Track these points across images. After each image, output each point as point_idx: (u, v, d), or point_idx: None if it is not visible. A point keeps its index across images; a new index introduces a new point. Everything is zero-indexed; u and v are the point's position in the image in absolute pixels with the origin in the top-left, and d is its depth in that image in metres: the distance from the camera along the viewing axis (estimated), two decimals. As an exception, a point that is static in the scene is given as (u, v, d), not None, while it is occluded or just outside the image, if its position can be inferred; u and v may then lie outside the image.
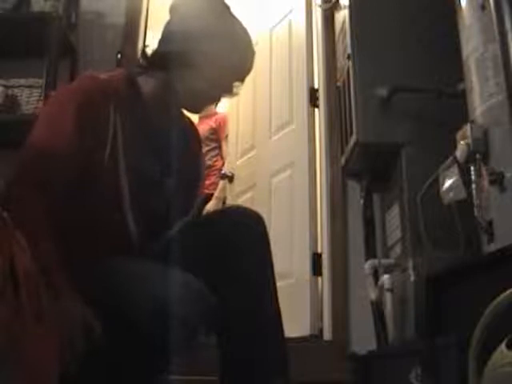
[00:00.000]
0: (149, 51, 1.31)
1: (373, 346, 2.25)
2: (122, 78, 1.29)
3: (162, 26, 1.33)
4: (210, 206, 3.36)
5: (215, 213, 1.48)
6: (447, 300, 1.57)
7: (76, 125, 1.15)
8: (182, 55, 1.25)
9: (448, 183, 1.71)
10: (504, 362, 1.00)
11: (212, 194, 3.45)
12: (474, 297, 1.42)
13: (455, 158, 1.65)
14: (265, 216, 1.27)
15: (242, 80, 1.33)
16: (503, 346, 1.03)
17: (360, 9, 2.36)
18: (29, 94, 2.47)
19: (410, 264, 2.02)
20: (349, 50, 2.34)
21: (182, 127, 1.39)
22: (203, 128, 3.49)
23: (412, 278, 1.99)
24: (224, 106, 3.62)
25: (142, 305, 1.03)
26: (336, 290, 2.54)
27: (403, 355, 1.75)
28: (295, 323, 2.44)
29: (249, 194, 3.25)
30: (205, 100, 1.33)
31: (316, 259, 2.65)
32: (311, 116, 2.89)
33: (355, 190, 2.63)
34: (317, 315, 2.59)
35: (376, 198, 2.53)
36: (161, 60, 1.28)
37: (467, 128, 1.59)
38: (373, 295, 2.23)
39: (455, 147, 1.64)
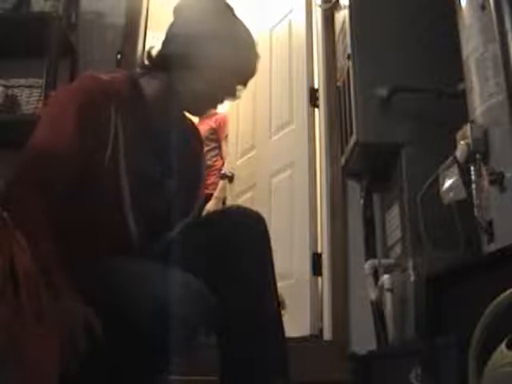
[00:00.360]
0: (153, 52, 1.31)
1: (373, 346, 2.25)
2: (123, 79, 1.29)
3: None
4: (210, 206, 3.36)
5: (215, 213, 1.48)
6: (447, 300, 1.57)
7: (77, 125, 1.15)
8: (186, 57, 1.25)
9: (448, 183, 1.71)
10: (504, 361, 1.00)
11: (212, 194, 3.46)
12: (473, 297, 1.42)
13: (455, 158, 1.65)
14: (265, 216, 1.27)
15: (245, 83, 1.33)
16: (503, 346, 1.03)
17: (360, 9, 2.36)
18: (29, 94, 2.47)
19: (410, 264, 2.02)
20: (349, 50, 2.34)
21: (183, 128, 1.39)
22: (203, 128, 3.49)
23: (412, 278, 1.99)
24: (224, 106, 3.61)
25: (142, 305, 1.03)
26: (336, 290, 2.54)
27: (403, 355, 1.75)
28: (295, 323, 2.44)
29: (249, 194, 3.25)
30: (207, 102, 1.33)
31: (316, 259, 2.65)
32: (311, 116, 2.89)
33: (355, 190, 2.63)
34: (317, 315, 2.59)
35: (376, 197, 2.53)
36: (164, 61, 1.28)
37: (467, 128, 1.59)
38: (373, 295, 2.23)
39: (455, 147, 1.64)
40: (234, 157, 3.46)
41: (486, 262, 1.47)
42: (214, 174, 3.54)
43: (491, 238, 1.50)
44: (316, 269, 2.64)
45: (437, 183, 1.80)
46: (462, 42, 1.75)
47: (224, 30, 1.28)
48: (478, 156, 1.56)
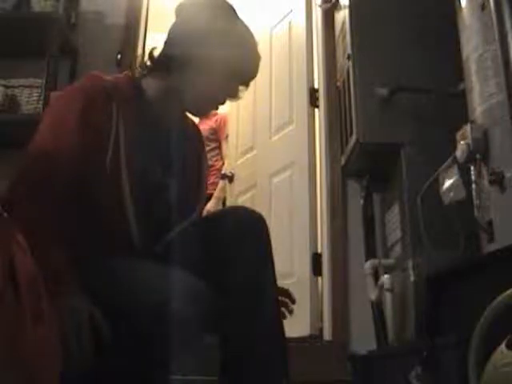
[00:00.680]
0: (155, 53, 1.30)
1: (373, 346, 2.25)
2: (125, 80, 1.29)
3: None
4: (210, 206, 3.36)
5: (216, 213, 1.47)
6: (447, 300, 1.58)
7: (79, 125, 1.15)
8: (187, 58, 1.25)
9: (448, 183, 1.71)
10: (504, 361, 1.00)
11: (212, 194, 3.45)
12: (474, 297, 1.42)
13: (455, 157, 1.65)
14: (265, 216, 1.27)
15: (247, 84, 1.33)
16: (503, 346, 1.04)
17: (360, 9, 2.37)
18: (29, 94, 2.47)
19: (410, 264, 2.02)
20: (349, 50, 2.34)
21: (184, 128, 1.39)
22: (203, 128, 3.49)
23: (412, 278, 2.00)
24: (224, 106, 3.60)
25: (143, 305, 1.04)
26: (336, 290, 2.54)
27: (403, 355, 1.76)
28: (295, 323, 2.44)
29: (249, 194, 3.25)
30: (209, 103, 1.32)
31: (316, 259, 2.65)
32: (311, 116, 2.89)
33: (355, 189, 2.63)
34: (317, 315, 2.59)
35: (376, 198, 2.53)
36: (165, 62, 1.28)
37: (467, 128, 1.59)
38: (373, 295, 2.24)
39: (455, 147, 1.64)
40: (234, 157, 3.46)
41: (486, 262, 1.47)
42: (214, 174, 3.54)
43: (491, 238, 1.50)
44: (316, 269, 2.64)
45: (437, 183, 1.80)
46: (462, 42, 1.75)
47: (226, 30, 1.28)
48: (478, 156, 1.56)
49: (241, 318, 1.14)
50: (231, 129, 3.57)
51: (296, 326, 2.47)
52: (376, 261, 2.33)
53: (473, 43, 1.66)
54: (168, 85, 1.29)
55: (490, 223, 1.52)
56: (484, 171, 1.55)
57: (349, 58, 2.33)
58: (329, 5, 2.84)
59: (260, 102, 3.25)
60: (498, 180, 1.48)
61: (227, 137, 3.62)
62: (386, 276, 2.16)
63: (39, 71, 2.47)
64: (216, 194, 3.47)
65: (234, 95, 1.32)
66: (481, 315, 1.10)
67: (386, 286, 2.13)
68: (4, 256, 0.72)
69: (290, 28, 3.14)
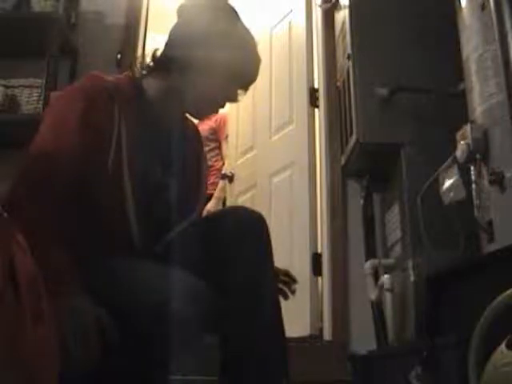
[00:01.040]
0: (157, 53, 1.30)
1: (373, 346, 2.25)
2: (126, 80, 1.29)
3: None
4: (210, 206, 3.36)
5: (216, 213, 1.47)
6: (447, 300, 1.58)
7: (80, 125, 1.15)
8: (188, 59, 1.25)
9: (448, 183, 1.71)
10: (504, 361, 1.00)
11: (212, 194, 3.45)
12: (473, 297, 1.42)
13: (455, 157, 1.65)
14: (265, 216, 1.27)
15: (246, 88, 1.33)
16: (503, 346, 1.04)
17: (360, 9, 2.37)
18: (29, 94, 2.47)
19: (410, 264, 2.02)
20: (349, 50, 2.34)
21: (184, 130, 1.39)
22: (203, 128, 3.49)
23: (412, 278, 2.00)
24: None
25: (143, 305, 1.04)
26: (336, 290, 2.54)
27: (403, 355, 1.76)
28: (295, 323, 2.44)
29: (249, 194, 3.25)
30: (208, 105, 1.32)
31: (316, 259, 2.65)
32: (311, 116, 2.89)
33: (355, 189, 2.63)
34: (317, 315, 2.59)
35: (376, 198, 2.53)
36: (166, 63, 1.28)
37: (467, 128, 1.59)
38: (373, 295, 2.24)
39: (455, 147, 1.64)
40: (233, 157, 3.46)
41: (486, 262, 1.47)
42: (214, 174, 3.54)
43: (491, 237, 1.50)
44: (316, 269, 2.64)
45: (437, 183, 1.80)
46: (462, 42, 1.75)
47: (227, 32, 1.28)
48: (477, 156, 1.56)
49: (241, 318, 1.14)
50: (231, 129, 3.57)
51: (296, 326, 2.47)
52: (376, 261, 2.33)
53: (473, 43, 1.66)
54: (169, 85, 1.29)
55: (490, 223, 1.52)
56: (484, 171, 1.55)
57: (349, 57, 2.33)
58: (329, 5, 2.84)
59: (260, 102, 3.25)
60: (498, 180, 1.48)
61: (227, 137, 3.61)
62: (385, 276, 2.16)
63: (39, 71, 2.47)
64: (216, 194, 3.47)
65: (234, 98, 1.32)
66: (481, 315, 1.10)
67: (386, 286, 2.14)
68: (4, 256, 0.72)
69: (289, 28, 3.14)
